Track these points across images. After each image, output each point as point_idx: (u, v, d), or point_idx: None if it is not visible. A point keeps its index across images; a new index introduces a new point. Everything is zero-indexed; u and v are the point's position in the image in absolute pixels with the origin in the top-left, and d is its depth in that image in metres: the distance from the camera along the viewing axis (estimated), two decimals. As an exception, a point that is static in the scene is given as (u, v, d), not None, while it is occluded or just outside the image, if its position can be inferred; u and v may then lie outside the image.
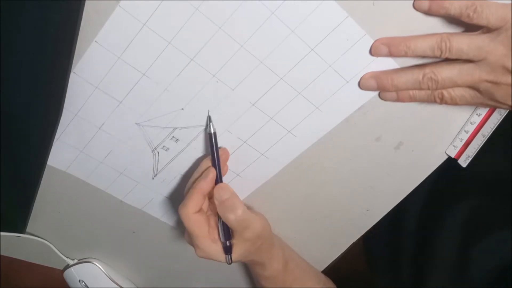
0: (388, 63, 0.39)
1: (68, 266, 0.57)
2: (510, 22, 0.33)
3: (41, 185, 0.46)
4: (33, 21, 0.34)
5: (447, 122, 0.44)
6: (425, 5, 0.35)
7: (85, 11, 0.35)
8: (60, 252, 0.55)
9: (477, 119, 0.43)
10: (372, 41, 0.38)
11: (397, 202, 0.48)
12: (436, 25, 0.37)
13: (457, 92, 0.37)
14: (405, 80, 0.38)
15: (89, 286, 0.56)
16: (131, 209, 0.50)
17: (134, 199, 0.49)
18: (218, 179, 0.43)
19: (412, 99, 0.39)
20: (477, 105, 0.39)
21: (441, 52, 0.35)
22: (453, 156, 0.45)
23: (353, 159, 0.45)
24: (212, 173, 0.42)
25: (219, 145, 0.44)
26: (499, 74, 0.35)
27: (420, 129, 0.44)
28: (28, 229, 0.52)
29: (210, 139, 0.42)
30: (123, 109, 0.42)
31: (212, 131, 0.42)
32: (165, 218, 0.52)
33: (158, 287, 0.61)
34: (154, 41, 0.37)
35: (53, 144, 0.43)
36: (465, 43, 0.35)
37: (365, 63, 0.39)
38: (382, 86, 0.39)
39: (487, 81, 0.35)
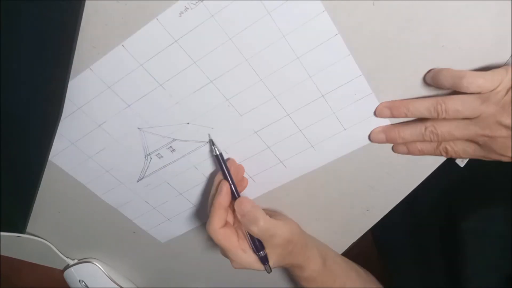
0: (384, 122, 0.42)
1: (68, 266, 0.57)
2: (502, 85, 0.35)
3: (41, 185, 0.47)
4: (33, 21, 0.34)
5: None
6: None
7: (85, 11, 0.35)
8: (60, 252, 0.55)
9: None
10: (375, 99, 0.41)
11: (397, 202, 0.48)
12: (427, 34, 0.37)
13: (459, 147, 0.40)
14: (410, 132, 0.41)
15: (89, 286, 0.56)
16: (131, 209, 0.50)
17: (112, 198, 0.50)
18: (235, 194, 0.43)
19: (421, 153, 0.42)
20: (480, 158, 0.40)
21: (438, 114, 0.38)
22: (451, 156, 0.45)
23: (353, 159, 0.45)
24: (225, 186, 0.43)
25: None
26: (493, 129, 0.37)
27: (420, 129, 0.44)
28: (28, 229, 0.52)
29: (218, 161, 0.44)
30: (129, 112, 0.42)
31: (217, 153, 0.44)
32: (137, 221, 0.52)
33: (158, 287, 0.61)
34: (180, 57, 0.38)
35: None
36: (459, 105, 0.37)
37: (365, 117, 0.42)
38: (390, 139, 0.42)
39: (483, 135, 0.37)
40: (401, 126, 0.41)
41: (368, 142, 0.44)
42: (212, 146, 0.44)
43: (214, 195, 0.44)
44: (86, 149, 0.45)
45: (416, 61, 0.38)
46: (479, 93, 0.36)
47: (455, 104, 0.37)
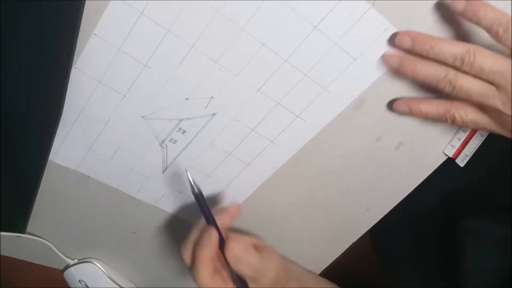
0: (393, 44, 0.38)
1: (68, 266, 0.57)
2: None
3: (41, 184, 0.46)
4: (33, 20, 0.34)
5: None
6: (461, 5, 0.34)
7: (85, 10, 0.35)
8: (60, 252, 0.55)
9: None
10: (378, 14, 0.36)
11: (397, 202, 0.48)
12: (439, 27, 0.37)
13: (470, 117, 0.37)
14: (426, 70, 0.36)
15: (89, 286, 0.56)
16: (131, 209, 0.50)
17: (146, 195, 0.48)
18: (222, 238, 0.41)
19: (424, 116, 0.39)
20: (488, 131, 0.38)
21: (462, 64, 0.34)
22: (450, 155, 0.45)
23: (353, 159, 0.45)
24: (214, 236, 0.40)
25: (225, 133, 0.43)
26: None
27: (420, 129, 0.44)
28: (28, 229, 0.52)
29: (197, 200, 0.41)
30: (127, 102, 0.41)
31: (196, 191, 0.41)
32: (177, 212, 0.51)
33: (158, 287, 0.61)
34: (152, 30, 0.36)
35: (62, 143, 0.43)
36: (488, 63, 0.33)
37: (372, 38, 0.38)
38: (402, 68, 0.38)
39: (500, 111, 0.34)
40: (420, 61, 0.36)
41: (384, 71, 0.39)
42: (190, 183, 0.40)
43: (196, 239, 0.41)
44: (103, 151, 0.44)
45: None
46: None
47: (484, 61, 0.33)
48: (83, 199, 0.50)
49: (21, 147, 0.42)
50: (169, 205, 0.50)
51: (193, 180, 0.41)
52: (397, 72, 0.39)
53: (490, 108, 0.35)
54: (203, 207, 0.41)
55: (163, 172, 0.46)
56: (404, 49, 0.37)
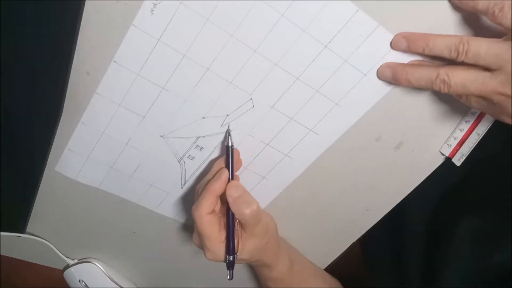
0: (403, 57, 0.39)
1: (68, 266, 0.57)
2: None
3: (41, 185, 0.47)
4: (33, 21, 0.34)
5: (446, 122, 0.44)
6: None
7: (85, 11, 0.35)
8: (60, 252, 0.55)
9: (471, 118, 0.43)
10: (386, 31, 0.38)
11: (397, 202, 0.48)
12: (439, 21, 0.37)
13: (472, 100, 0.37)
14: (419, 76, 0.37)
15: (89, 286, 0.56)
16: (131, 209, 0.50)
17: (166, 209, 0.51)
18: (230, 179, 0.43)
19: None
20: (490, 114, 0.38)
21: (458, 54, 0.34)
22: (447, 154, 0.45)
23: (353, 159, 0.45)
24: (225, 174, 0.42)
25: (241, 148, 0.45)
26: None
27: (420, 129, 0.44)
28: (28, 229, 0.52)
29: (227, 152, 0.43)
30: (147, 123, 0.43)
31: (230, 144, 0.43)
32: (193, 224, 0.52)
33: (158, 287, 0.61)
34: (169, 55, 0.38)
35: (85, 163, 0.45)
36: (483, 48, 0.33)
37: (381, 55, 0.39)
38: (396, 78, 0.39)
39: (500, 93, 0.34)
40: (410, 67, 0.38)
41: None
42: (229, 137, 0.43)
43: (209, 179, 0.43)
44: (125, 169, 0.46)
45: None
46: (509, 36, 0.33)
47: (479, 46, 0.34)
48: (83, 199, 0.50)
49: (21, 147, 0.42)
50: (187, 218, 0.52)
51: (230, 135, 0.43)
52: (393, 81, 0.40)
53: (490, 93, 0.35)
54: (228, 160, 0.43)
55: (181, 187, 0.48)
56: (402, 51, 0.38)
